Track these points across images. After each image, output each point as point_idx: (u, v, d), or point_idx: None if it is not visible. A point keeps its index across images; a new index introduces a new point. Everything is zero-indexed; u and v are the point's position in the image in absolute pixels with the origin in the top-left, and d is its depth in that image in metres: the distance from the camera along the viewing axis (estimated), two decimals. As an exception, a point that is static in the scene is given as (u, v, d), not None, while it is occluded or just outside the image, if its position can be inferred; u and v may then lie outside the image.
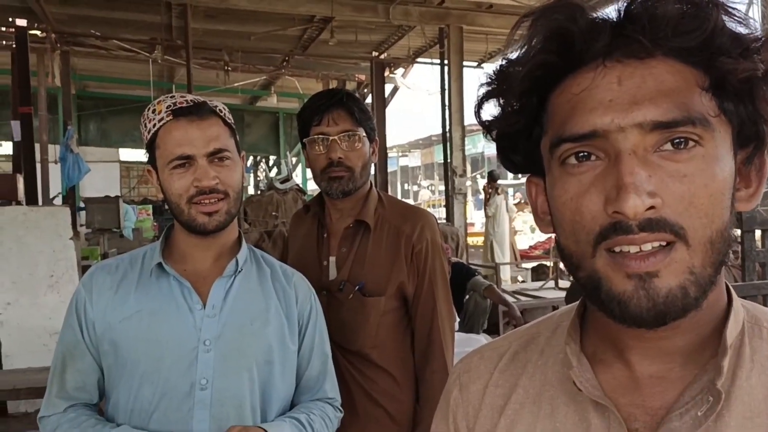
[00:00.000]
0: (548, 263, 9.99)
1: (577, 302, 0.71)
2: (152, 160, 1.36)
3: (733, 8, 0.57)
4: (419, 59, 9.95)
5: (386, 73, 10.58)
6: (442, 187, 28.62)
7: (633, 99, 0.55)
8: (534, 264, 10.28)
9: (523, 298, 7.30)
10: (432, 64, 9.15)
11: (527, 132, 0.64)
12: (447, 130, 7.84)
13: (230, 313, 1.34)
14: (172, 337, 1.30)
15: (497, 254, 9.38)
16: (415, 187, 27.86)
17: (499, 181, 10.12)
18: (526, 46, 0.61)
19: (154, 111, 1.35)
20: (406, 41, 9.30)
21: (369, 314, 1.70)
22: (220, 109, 1.37)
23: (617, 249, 0.55)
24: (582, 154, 0.58)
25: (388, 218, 1.76)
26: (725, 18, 0.56)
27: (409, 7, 7.71)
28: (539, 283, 8.42)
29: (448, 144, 7.83)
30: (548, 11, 0.59)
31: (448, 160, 7.82)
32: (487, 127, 0.66)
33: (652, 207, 0.54)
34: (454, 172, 7.71)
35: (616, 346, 0.63)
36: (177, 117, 1.33)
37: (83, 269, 4.71)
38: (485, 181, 10.04)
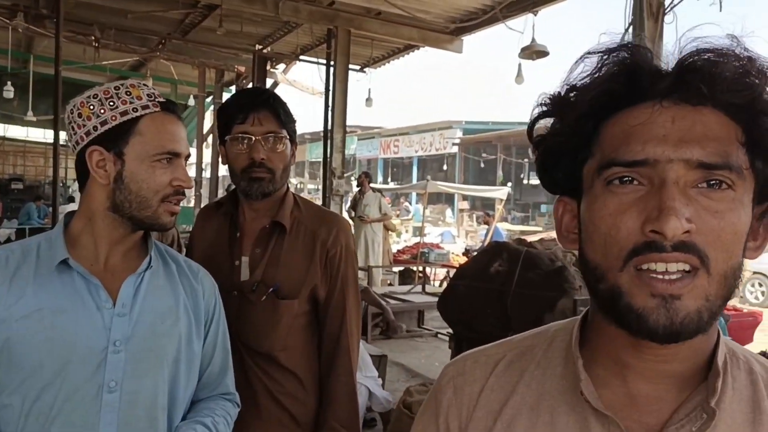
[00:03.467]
0: (415, 268, 10.33)
1: (573, 319, 0.78)
2: (118, 145, 1.26)
3: None
4: (303, 57, 9.89)
5: (268, 68, 10.42)
6: (311, 186, 28.68)
7: (683, 138, 0.62)
8: (401, 268, 10.57)
9: (392, 301, 7.49)
10: (318, 63, 9.14)
11: (573, 153, 0.71)
12: (329, 130, 7.87)
13: (141, 312, 1.29)
14: (79, 338, 1.22)
15: (367, 255, 9.48)
16: (285, 184, 27.51)
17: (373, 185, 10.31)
18: (595, 75, 0.68)
19: (129, 93, 1.27)
20: (292, 37, 9.22)
21: (281, 317, 1.70)
22: None
23: (645, 266, 0.62)
24: (626, 178, 0.65)
25: (303, 221, 1.76)
26: None
27: (300, 5, 7.66)
28: (407, 287, 8.67)
29: (329, 145, 7.86)
30: (621, 48, 0.67)
31: (328, 161, 7.85)
32: (538, 142, 0.73)
33: (687, 231, 0.60)
34: (333, 173, 7.76)
35: (617, 364, 0.70)
36: (167, 111, 1.29)
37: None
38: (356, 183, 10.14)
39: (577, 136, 0.70)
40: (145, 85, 1.31)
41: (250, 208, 1.76)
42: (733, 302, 7.97)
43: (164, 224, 1.30)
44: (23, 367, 1.20)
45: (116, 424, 1.23)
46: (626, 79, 0.66)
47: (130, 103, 1.27)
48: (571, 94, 0.70)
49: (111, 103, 1.26)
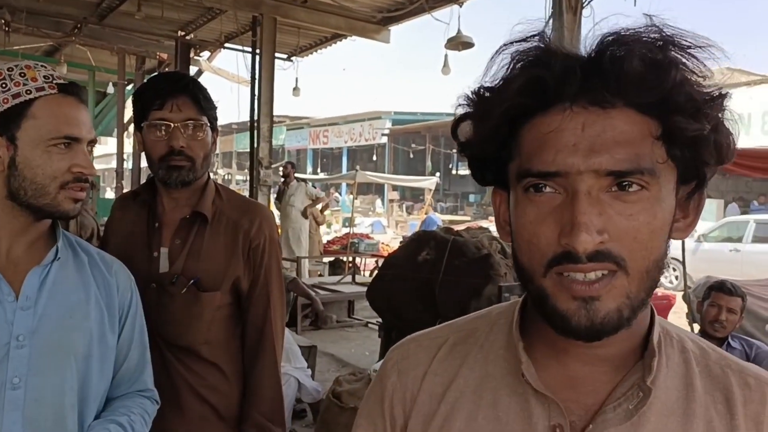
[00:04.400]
0: (345, 258, 10.33)
1: (514, 302, 0.79)
2: (10, 129, 1.20)
3: (694, 66, 0.64)
4: (228, 45, 9.67)
5: (192, 55, 10.13)
6: (240, 177, 28.18)
7: (592, 147, 0.62)
8: (331, 258, 10.55)
9: (322, 292, 7.47)
10: (243, 51, 8.95)
11: (497, 155, 0.71)
12: (255, 120, 7.73)
13: (47, 306, 1.23)
14: None
15: (294, 246, 9.39)
16: (212, 175, 27.01)
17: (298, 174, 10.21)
18: (503, 86, 0.68)
19: (23, 75, 1.20)
20: (216, 24, 8.98)
21: (203, 309, 1.66)
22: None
23: (566, 273, 0.63)
24: (542, 185, 0.65)
25: (225, 211, 1.72)
26: (685, 74, 0.63)
27: (223, -10, 7.48)
28: (337, 278, 8.66)
29: (256, 135, 7.73)
30: (530, 51, 0.67)
31: (255, 151, 7.72)
32: (462, 150, 0.73)
33: (601, 241, 0.62)
34: (260, 163, 7.63)
35: (553, 349, 0.72)
36: (65, 93, 1.22)
37: None
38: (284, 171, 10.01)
39: (496, 142, 0.70)
40: (43, 66, 1.25)
41: (169, 197, 1.71)
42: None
43: (66, 212, 1.24)
44: None
45: (21, 423, 1.17)
46: (535, 89, 0.66)
47: (24, 84, 1.20)
48: (486, 101, 0.70)
49: (3, 86, 1.20)
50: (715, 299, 3.31)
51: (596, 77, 0.63)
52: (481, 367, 0.76)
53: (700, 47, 0.64)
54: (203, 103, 1.65)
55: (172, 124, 1.61)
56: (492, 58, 0.70)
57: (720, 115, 0.65)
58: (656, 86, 0.62)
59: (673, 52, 0.63)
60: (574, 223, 0.61)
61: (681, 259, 6.01)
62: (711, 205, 18.53)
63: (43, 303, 1.23)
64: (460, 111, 0.73)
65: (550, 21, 4.04)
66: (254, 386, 1.71)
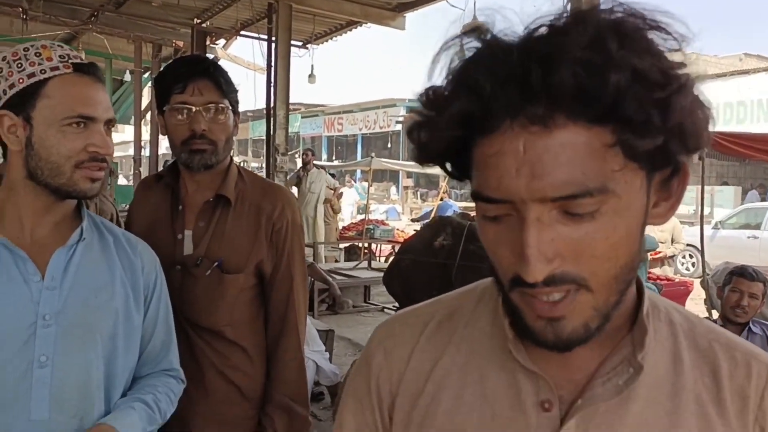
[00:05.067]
0: (361, 244, 10.38)
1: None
2: (26, 109, 1.21)
3: (647, 55, 0.56)
4: (244, 32, 9.68)
5: (207, 43, 10.16)
6: (255, 164, 28.23)
7: (534, 172, 0.57)
8: (347, 244, 10.60)
9: (338, 277, 7.53)
10: (259, 39, 8.96)
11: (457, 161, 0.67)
12: (271, 107, 7.75)
13: (73, 286, 1.25)
14: (5, 312, 1.19)
15: (311, 232, 9.45)
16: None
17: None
18: (437, 113, 0.62)
19: (39, 55, 1.21)
20: (232, 12, 8.99)
21: (226, 291, 1.68)
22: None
23: (528, 293, 0.62)
24: (494, 211, 0.62)
25: (248, 195, 1.74)
26: (633, 73, 0.54)
27: (239, -23, 7.49)
28: (353, 263, 8.71)
29: (272, 122, 7.76)
30: (460, 69, 0.61)
31: (271, 138, 7.76)
32: (419, 159, 0.68)
33: (554, 267, 0.59)
34: (276, 150, 7.67)
35: None
36: (80, 73, 1.22)
37: None
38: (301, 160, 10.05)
39: (451, 157, 0.66)
40: (59, 46, 1.26)
41: (192, 180, 1.72)
42: (667, 272, 8.33)
43: (83, 191, 1.24)
44: None
45: (48, 401, 1.20)
46: (469, 118, 0.60)
47: (39, 64, 1.21)
48: (427, 122, 0.64)
49: (19, 65, 1.21)
50: (736, 284, 3.29)
51: (526, 96, 0.57)
52: (467, 345, 0.75)
53: (655, 28, 0.57)
54: (224, 86, 1.65)
55: (194, 108, 1.62)
56: (433, 61, 0.64)
57: (685, 104, 0.57)
58: (596, 96, 0.55)
59: (614, 48, 0.54)
60: (522, 255, 0.59)
61: (698, 246, 5.98)
62: (729, 192, 18.36)
63: (69, 283, 1.25)
64: (413, 123, 0.66)
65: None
66: (278, 367, 1.74)
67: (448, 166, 0.68)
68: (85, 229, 1.30)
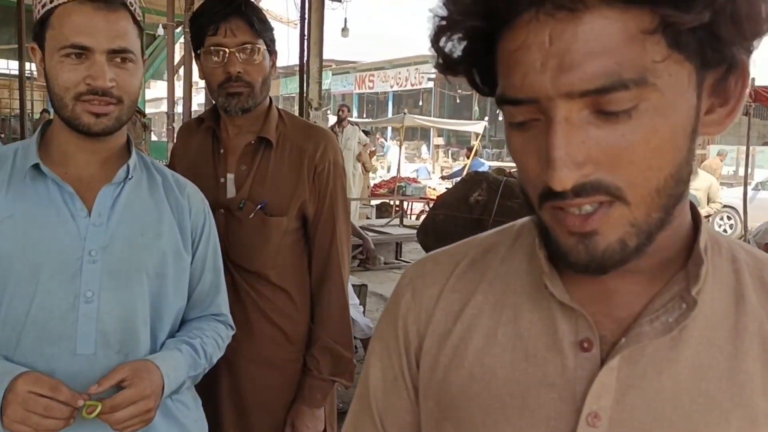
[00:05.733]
0: (392, 202, 10.37)
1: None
2: (41, 39, 1.20)
3: None
4: (276, -16, 9.57)
5: (240, -4, 10.06)
6: (286, 122, 28.28)
7: (561, 64, 0.52)
8: (378, 202, 10.60)
9: (370, 234, 7.54)
10: (291, -9, 8.85)
11: (482, 73, 0.62)
12: (305, 61, 7.67)
13: (119, 223, 1.24)
14: (52, 245, 1.19)
15: (348, 188, 9.47)
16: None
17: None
18: (453, 5, 0.57)
19: None
20: (264, -37, 8.89)
21: (270, 234, 1.67)
22: (131, 2, 1.23)
23: (558, 207, 0.57)
24: (519, 114, 0.57)
25: (289, 136, 1.71)
26: None
27: (272, -73, 7.35)
28: (385, 220, 8.73)
29: (305, 76, 7.69)
30: None
31: (304, 93, 7.70)
32: (444, 67, 0.63)
33: (584, 174, 0.54)
34: (309, 105, 7.62)
35: None
36: (82, 1, 1.17)
37: None
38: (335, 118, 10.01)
39: (472, 65, 0.61)
40: None
41: (232, 123, 1.70)
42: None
43: (87, 125, 1.19)
44: None
45: (94, 336, 1.20)
46: (487, 5, 0.55)
47: None
48: (446, 24, 0.59)
49: None
50: (780, 241, 3.21)
51: None
52: (501, 282, 0.70)
53: None
54: (258, 26, 1.61)
55: (228, 50, 1.58)
56: None
57: None
58: None
59: None
60: (549, 160, 0.53)
61: (735, 207, 5.81)
62: (771, 152, 17.83)
63: (115, 220, 1.24)
64: (434, 29, 0.61)
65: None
66: (322, 310, 1.73)
67: (475, 75, 0.63)
68: (133, 167, 1.29)
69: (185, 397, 1.36)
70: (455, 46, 0.60)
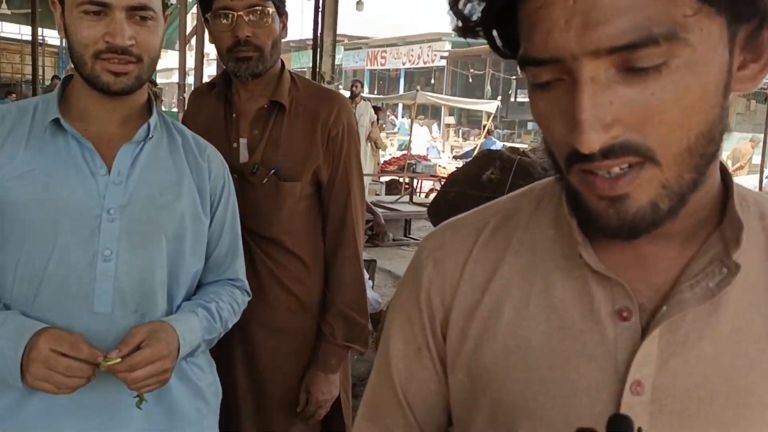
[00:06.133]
0: (401, 179, 10.33)
1: (557, 178, 0.68)
2: None
3: None
4: (291, -45, 9.45)
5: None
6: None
7: (587, 21, 0.50)
8: (388, 178, 10.57)
9: (380, 210, 7.52)
10: (306, -39, 8.73)
11: (504, 34, 0.61)
12: (318, 33, 7.60)
13: (138, 182, 1.23)
14: (71, 202, 1.18)
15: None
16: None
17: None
18: None
19: None
20: (279, -67, 8.76)
21: (284, 200, 1.64)
22: None
23: (586, 170, 0.55)
24: (543, 75, 0.55)
25: (302, 100, 1.67)
26: None
27: None
28: (394, 197, 8.70)
29: (318, 49, 7.62)
30: None
31: (317, 66, 7.64)
32: (463, 31, 0.61)
33: (613, 135, 0.52)
34: (322, 79, 7.56)
35: None
36: None
37: None
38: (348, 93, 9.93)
39: (494, 22, 0.59)
40: None
41: (244, 88, 1.67)
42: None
43: (106, 84, 1.17)
44: (14, 228, 1.17)
45: (111, 294, 1.20)
46: None
47: None
48: None
49: None
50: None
51: None
52: (528, 251, 0.67)
53: None
54: None
55: (236, 13, 1.54)
56: None
57: None
58: None
59: None
60: (574, 122, 0.52)
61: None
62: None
63: (135, 179, 1.23)
64: None
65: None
66: (337, 276, 1.72)
67: (496, 37, 0.61)
68: (153, 126, 1.27)
69: (200, 360, 1.36)
70: (474, 8, 0.58)
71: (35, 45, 6.21)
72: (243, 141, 1.67)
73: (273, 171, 1.63)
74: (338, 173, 1.69)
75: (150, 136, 1.26)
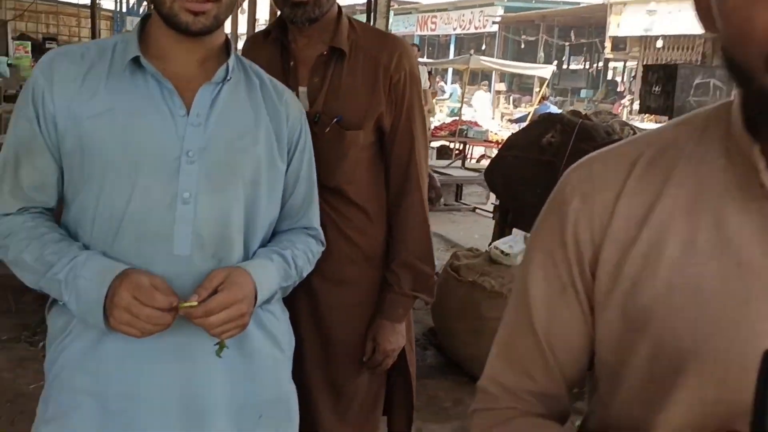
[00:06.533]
0: (452, 145, 10.21)
1: (724, 103, 0.63)
2: None
3: None
4: None
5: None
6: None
7: None
8: (439, 144, 10.46)
9: (432, 174, 7.46)
10: None
11: None
12: (372, -5, 7.48)
13: (217, 125, 1.20)
14: (151, 142, 1.16)
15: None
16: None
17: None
18: None
19: None
20: None
21: (348, 149, 1.60)
22: None
23: None
24: None
25: (362, 46, 1.61)
26: None
27: None
28: (446, 162, 8.62)
29: (372, 13, 7.52)
30: None
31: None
32: None
33: None
34: (375, 41, 7.47)
35: None
36: None
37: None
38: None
39: None
40: None
41: (301, 34, 1.60)
42: None
43: (184, 24, 1.14)
44: (95, 168, 1.16)
45: (190, 238, 1.18)
46: None
47: None
48: None
49: None
50: None
51: None
52: (693, 182, 0.63)
53: None
54: None
55: None
56: None
57: None
58: None
59: None
60: None
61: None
62: None
63: (214, 122, 1.20)
64: None
65: None
66: (401, 226, 1.67)
67: None
68: (232, 68, 1.23)
69: (275, 308, 1.35)
70: None
71: (94, 6, 6.28)
72: (303, 90, 1.61)
73: (336, 119, 1.58)
74: (401, 121, 1.63)
75: (228, 77, 1.23)
